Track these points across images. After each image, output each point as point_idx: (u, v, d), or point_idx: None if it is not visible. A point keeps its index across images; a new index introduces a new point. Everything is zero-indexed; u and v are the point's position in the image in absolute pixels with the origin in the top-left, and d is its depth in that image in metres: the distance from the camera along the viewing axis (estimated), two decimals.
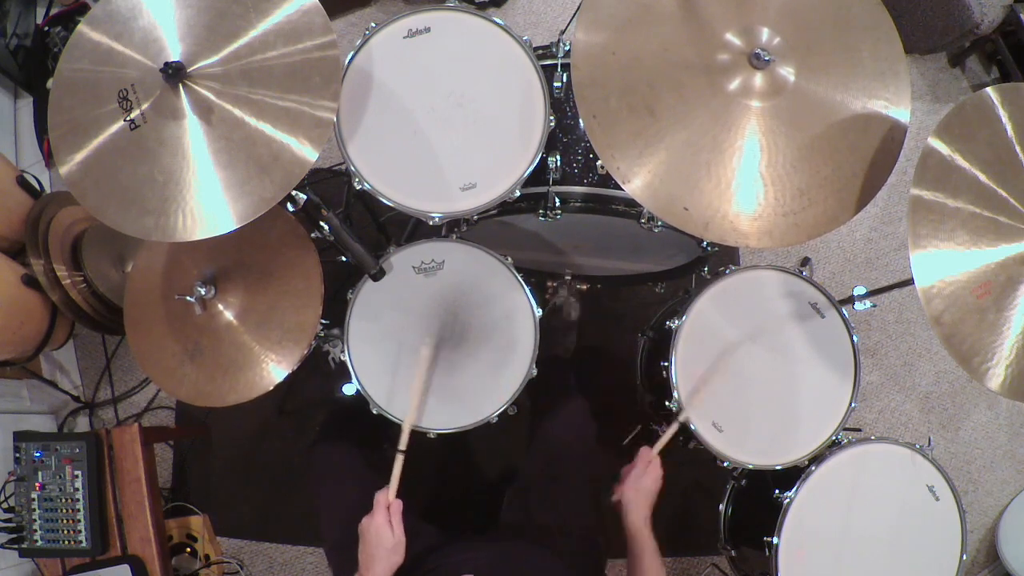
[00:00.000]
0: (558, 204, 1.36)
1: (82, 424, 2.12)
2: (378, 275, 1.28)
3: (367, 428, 1.50)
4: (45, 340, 1.76)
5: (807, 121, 1.11)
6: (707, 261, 1.63)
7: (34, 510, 1.58)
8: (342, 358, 1.39)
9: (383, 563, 1.08)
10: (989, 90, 1.09)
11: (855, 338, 1.40)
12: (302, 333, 1.33)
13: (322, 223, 1.18)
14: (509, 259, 1.38)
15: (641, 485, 1.24)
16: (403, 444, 1.23)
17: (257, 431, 2.10)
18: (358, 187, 1.28)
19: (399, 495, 1.15)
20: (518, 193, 1.28)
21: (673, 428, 1.34)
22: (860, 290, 1.36)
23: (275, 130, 1.03)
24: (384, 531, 1.09)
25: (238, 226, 1.01)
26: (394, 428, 1.31)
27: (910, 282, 1.07)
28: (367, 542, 1.10)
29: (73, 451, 1.59)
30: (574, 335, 2.05)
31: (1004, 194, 1.07)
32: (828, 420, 1.38)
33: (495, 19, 1.30)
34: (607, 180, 1.35)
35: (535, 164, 1.27)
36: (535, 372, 1.36)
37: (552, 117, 1.28)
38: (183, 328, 1.36)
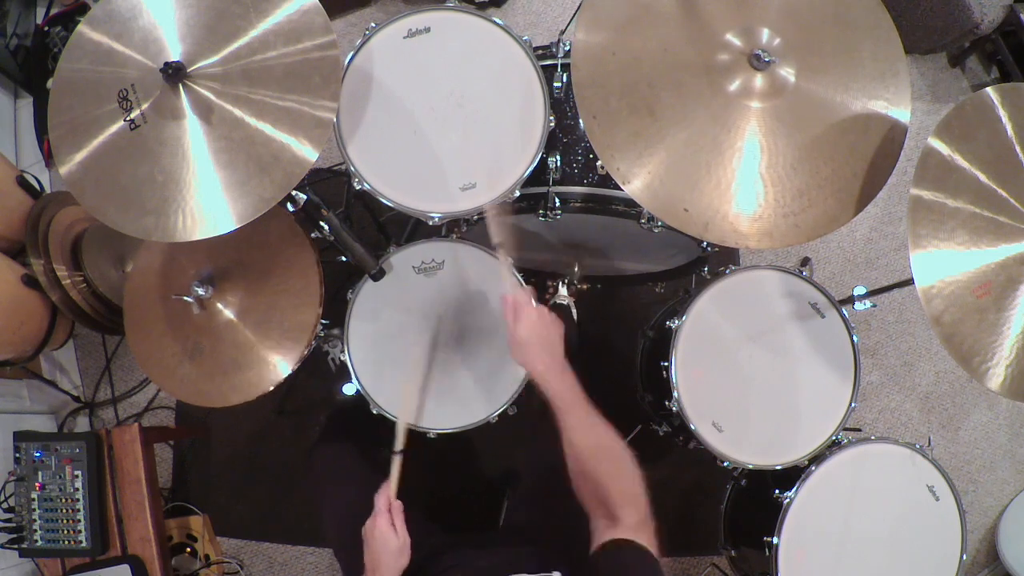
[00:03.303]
0: (558, 204, 1.36)
1: (82, 424, 2.12)
2: (378, 275, 1.28)
3: (367, 428, 1.50)
4: (45, 340, 1.76)
5: (807, 122, 1.11)
6: (707, 261, 1.63)
7: (34, 510, 1.58)
8: (342, 358, 1.39)
9: (390, 567, 1.07)
10: (989, 90, 1.09)
11: (855, 338, 1.40)
12: (302, 333, 1.33)
13: (322, 223, 1.18)
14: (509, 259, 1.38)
15: (518, 337, 1.06)
16: (399, 445, 1.23)
17: (257, 431, 2.10)
18: (358, 187, 1.28)
19: (399, 496, 1.14)
20: (518, 193, 1.28)
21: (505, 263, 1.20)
22: (860, 290, 1.36)
23: (275, 130, 1.03)
24: (388, 534, 1.08)
25: (238, 226, 1.01)
26: (394, 428, 1.31)
27: (910, 282, 1.07)
28: (372, 546, 1.09)
29: (73, 451, 1.59)
30: (575, 335, 2.05)
31: (1004, 194, 1.07)
32: (828, 420, 1.38)
33: (495, 19, 1.30)
34: (607, 180, 1.35)
35: (535, 164, 1.27)
36: None
37: (552, 117, 1.28)
38: (183, 328, 1.36)
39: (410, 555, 1.10)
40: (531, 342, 1.06)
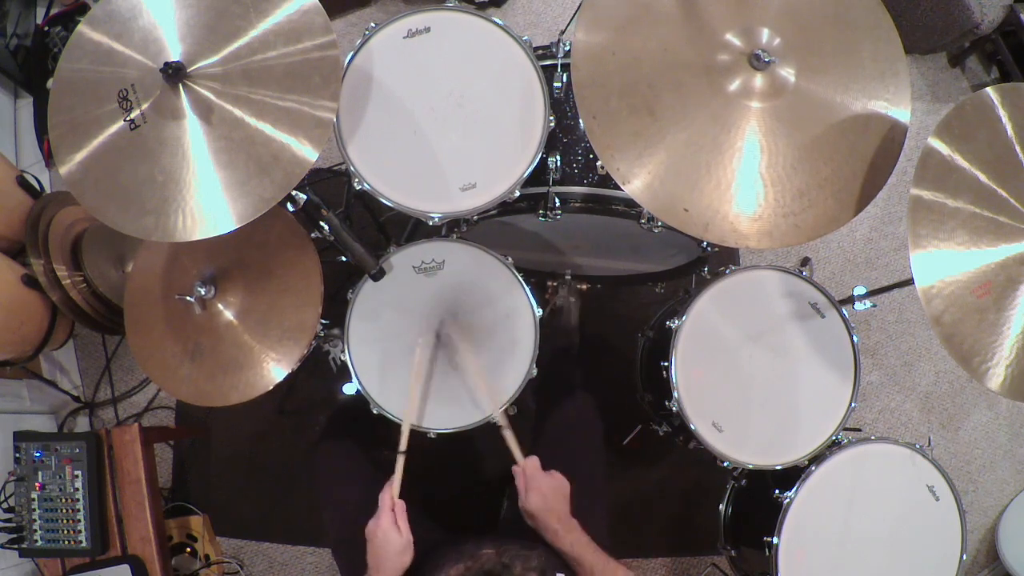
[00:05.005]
0: (558, 204, 1.36)
1: (82, 424, 2.12)
2: (378, 275, 1.28)
3: (368, 428, 1.50)
4: (45, 340, 1.76)
5: (807, 122, 1.11)
6: (707, 261, 1.63)
7: (34, 510, 1.58)
8: (342, 358, 1.39)
9: (393, 565, 1.08)
10: (989, 90, 1.09)
11: (855, 338, 1.40)
12: (302, 332, 1.33)
13: (322, 223, 1.18)
14: (509, 259, 1.38)
15: (528, 507, 1.15)
16: (403, 445, 1.23)
17: (257, 431, 2.10)
18: (358, 187, 1.28)
19: (401, 495, 1.15)
20: (518, 193, 1.28)
21: (510, 435, 1.25)
22: (860, 290, 1.36)
23: (275, 130, 1.03)
24: (392, 533, 1.09)
25: (238, 226, 1.01)
26: (395, 427, 1.31)
27: (910, 282, 1.07)
28: (375, 545, 1.09)
29: (73, 451, 1.59)
30: (576, 335, 2.05)
31: (1004, 194, 1.07)
32: (828, 420, 1.38)
33: (495, 19, 1.30)
34: (607, 180, 1.35)
35: (535, 164, 1.27)
36: (535, 372, 1.36)
37: (552, 117, 1.28)
38: (183, 328, 1.36)
39: (413, 554, 1.10)
40: (540, 509, 1.14)
